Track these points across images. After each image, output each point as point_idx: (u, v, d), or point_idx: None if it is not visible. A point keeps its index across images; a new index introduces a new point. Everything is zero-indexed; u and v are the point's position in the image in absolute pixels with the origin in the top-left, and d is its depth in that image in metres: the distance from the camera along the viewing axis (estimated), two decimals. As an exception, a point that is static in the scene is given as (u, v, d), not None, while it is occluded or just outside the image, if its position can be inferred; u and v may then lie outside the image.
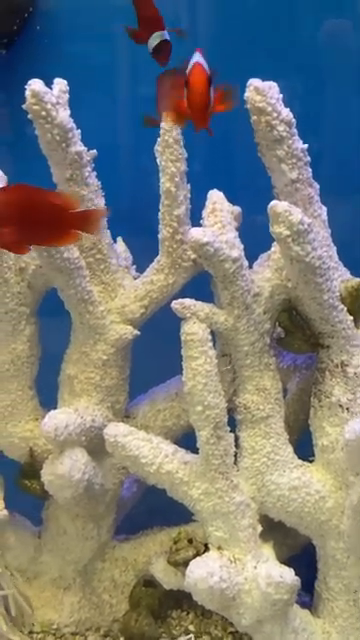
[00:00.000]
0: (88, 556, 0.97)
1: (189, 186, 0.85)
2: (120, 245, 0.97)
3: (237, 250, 0.80)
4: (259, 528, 0.85)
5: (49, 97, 0.76)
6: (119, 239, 0.97)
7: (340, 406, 0.83)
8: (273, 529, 0.87)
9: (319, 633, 0.87)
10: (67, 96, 0.81)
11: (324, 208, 0.84)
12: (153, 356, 0.97)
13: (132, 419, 0.94)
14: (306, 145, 0.80)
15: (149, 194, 0.87)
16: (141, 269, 0.92)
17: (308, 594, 0.93)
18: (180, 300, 0.81)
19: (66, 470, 0.83)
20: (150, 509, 1.02)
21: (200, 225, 0.83)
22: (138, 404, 0.95)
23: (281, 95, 0.78)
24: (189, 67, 0.77)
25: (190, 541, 0.88)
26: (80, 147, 0.81)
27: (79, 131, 0.81)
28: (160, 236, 0.86)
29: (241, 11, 1.05)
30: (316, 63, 1.06)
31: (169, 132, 0.81)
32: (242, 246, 0.81)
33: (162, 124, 0.81)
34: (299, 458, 0.87)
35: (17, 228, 0.72)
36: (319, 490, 0.85)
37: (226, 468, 0.82)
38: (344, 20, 1.05)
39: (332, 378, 0.84)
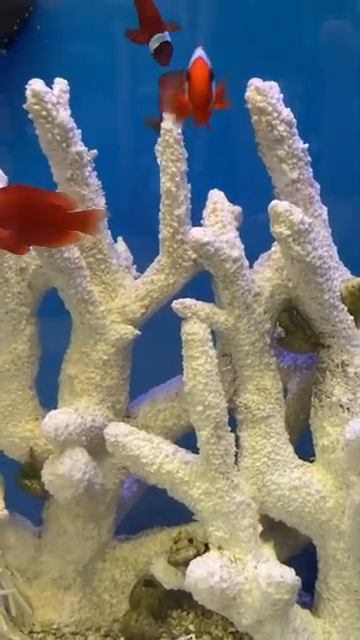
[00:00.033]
0: (88, 556, 0.97)
1: (189, 186, 0.85)
2: (121, 245, 0.97)
3: (238, 250, 0.80)
4: (259, 528, 0.85)
5: (50, 97, 0.76)
6: (120, 239, 0.97)
7: (341, 406, 0.83)
8: (273, 529, 0.87)
9: (320, 633, 0.87)
10: (68, 96, 0.82)
11: (325, 208, 0.84)
12: (154, 356, 0.97)
13: (133, 419, 0.94)
14: (307, 145, 0.81)
15: (150, 194, 0.87)
16: (142, 269, 0.92)
17: (309, 594, 0.93)
18: (181, 300, 0.81)
19: (66, 470, 0.83)
20: (150, 509, 1.02)
21: (201, 225, 0.83)
22: (139, 404, 0.95)
23: (282, 95, 0.78)
24: (191, 61, 0.77)
25: (190, 541, 0.88)
26: (81, 147, 0.81)
27: (79, 131, 0.81)
28: (160, 236, 0.86)
29: (241, 11, 1.05)
30: (316, 63, 1.06)
31: (170, 132, 0.81)
32: (243, 246, 0.81)
33: (163, 124, 0.81)
34: (300, 458, 0.87)
35: (17, 229, 0.72)
36: (320, 490, 0.85)
37: (226, 468, 0.82)
38: (344, 20, 1.05)
39: (333, 378, 0.84)
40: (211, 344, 0.80)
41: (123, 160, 1.11)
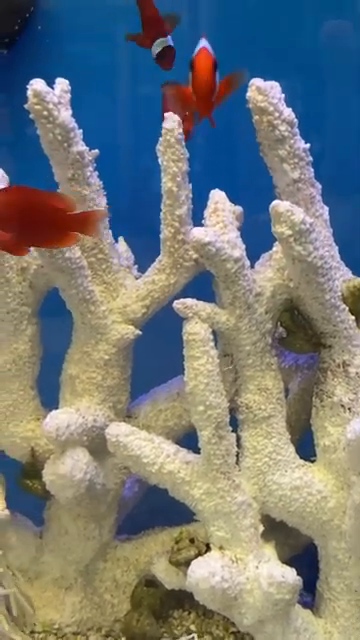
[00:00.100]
0: (90, 556, 0.97)
1: (191, 186, 0.85)
2: (122, 245, 0.97)
3: (239, 250, 0.80)
4: (261, 528, 0.85)
5: (51, 97, 0.76)
6: (121, 239, 0.97)
7: (342, 406, 0.83)
8: (275, 529, 0.87)
9: (321, 633, 0.87)
10: (69, 96, 0.82)
11: (326, 208, 0.84)
12: (155, 356, 0.97)
13: (134, 419, 0.94)
14: (308, 145, 0.80)
15: (151, 194, 0.87)
16: (143, 269, 0.92)
17: (310, 594, 0.93)
18: (182, 300, 0.81)
19: (68, 470, 0.83)
20: (152, 509, 1.02)
21: (202, 225, 0.83)
22: (140, 404, 0.95)
23: (283, 95, 0.78)
24: (195, 52, 0.76)
25: (192, 541, 0.88)
26: (82, 147, 0.81)
27: (81, 131, 0.81)
28: (162, 236, 0.86)
29: (241, 11, 1.05)
30: (317, 63, 1.06)
31: (171, 132, 0.81)
32: (244, 246, 0.81)
33: (164, 123, 0.81)
34: (301, 458, 0.87)
35: (16, 230, 0.72)
36: (321, 490, 0.85)
37: (228, 468, 0.82)
38: (344, 20, 1.05)
39: (334, 378, 0.84)
40: (212, 344, 0.80)
41: (124, 160, 1.11)
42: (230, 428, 0.82)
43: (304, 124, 0.80)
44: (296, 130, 0.79)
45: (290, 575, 0.79)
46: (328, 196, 0.84)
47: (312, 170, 0.82)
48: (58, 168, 0.82)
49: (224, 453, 0.81)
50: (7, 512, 0.92)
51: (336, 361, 0.84)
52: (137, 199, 1.09)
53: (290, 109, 0.78)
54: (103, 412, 0.90)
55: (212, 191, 0.85)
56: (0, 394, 0.92)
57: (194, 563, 0.80)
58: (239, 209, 0.88)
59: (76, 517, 0.94)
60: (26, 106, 0.77)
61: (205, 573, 0.78)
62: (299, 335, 0.85)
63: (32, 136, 0.80)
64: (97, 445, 0.87)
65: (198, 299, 0.81)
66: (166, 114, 0.81)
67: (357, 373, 0.83)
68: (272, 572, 0.79)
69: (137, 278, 0.92)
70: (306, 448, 0.88)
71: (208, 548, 0.85)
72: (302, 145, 0.80)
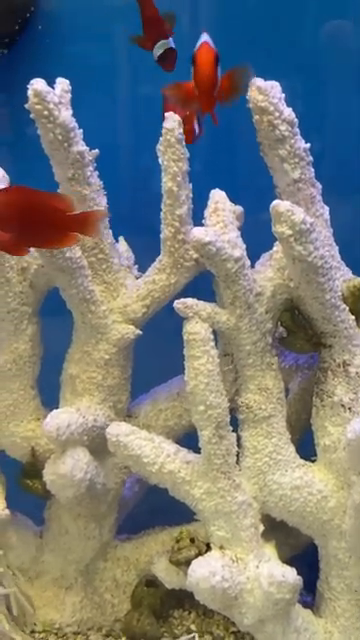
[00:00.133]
0: (90, 556, 0.97)
1: (191, 185, 0.85)
2: (122, 245, 0.97)
3: (239, 250, 0.80)
4: (261, 528, 0.85)
5: (51, 97, 0.76)
6: (121, 239, 0.97)
7: (342, 406, 0.83)
8: (275, 529, 0.87)
9: (321, 633, 0.87)
10: (69, 95, 0.81)
11: (326, 208, 0.84)
12: (155, 356, 0.97)
13: (134, 419, 0.94)
14: (308, 145, 0.80)
15: (151, 193, 0.87)
16: (143, 269, 0.92)
17: (310, 594, 0.93)
18: (182, 300, 0.81)
19: (68, 469, 0.83)
20: (152, 509, 1.02)
21: (202, 225, 0.83)
22: (140, 404, 0.95)
23: (283, 95, 0.78)
24: (196, 46, 0.76)
25: (192, 540, 0.88)
26: (82, 146, 0.81)
27: (81, 131, 0.81)
28: (162, 236, 0.86)
29: (241, 11, 1.05)
30: (317, 63, 1.06)
31: (171, 131, 0.81)
32: (244, 246, 0.81)
33: (164, 123, 0.81)
34: (301, 458, 0.87)
35: (16, 230, 0.72)
36: (321, 490, 0.85)
37: (228, 468, 0.82)
38: (345, 20, 1.05)
39: (334, 378, 0.84)
40: (213, 344, 0.80)
41: (124, 160, 1.11)
42: (230, 428, 0.82)
43: (304, 124, 0.80)
44: (296, 130, 0.79)
45: (290, 575, 0.80)
46: (328, 196, 0.84)
47: (312, 170, 0.82)
48: (58, 168, 0.82)
49: (224, 453, 0.81)
50: (7, 512, 0.92)
51: (336, 361, 0.84)
52: (137, 199, 1.09)
53: (290, 109, 0.78)
54: (103, 412, 0.90)
55: (212, 191, 0.85)
56: (0, 394, 0.92)
57: (194, 563, 0.80)
58: (239, 209, 0.88)
59: (76, 517, 0.94)
60: (27, 106, 0.77)
61: (205, 573, 0.78)
62: (299, 335, 0.85)
63: (32, 136, 0.80)
64: (97, 445, 0.87)
65: (198, 299, 0.81)
66: (166, 114, 0.81)
67: (357, 373, 0.83)
68: (272, 572, 0.79)
69: (137, 278, 0.92)
70: (306, 448, 0.88)
71: (208, 548, 0.85)
72: (302, 145, 0.80)
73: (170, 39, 0.84)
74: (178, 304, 0.80)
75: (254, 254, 0.85)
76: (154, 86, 0.87)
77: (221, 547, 0.83)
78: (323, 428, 0.85)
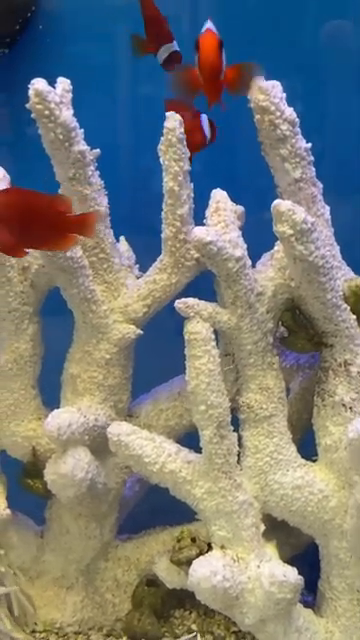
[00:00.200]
0: (91, 555, 0.97)
1: (192, 185, 0.85)
2: (123, 244, 0.97)
3: (240, 249, 0.80)
4: (262, 527, 0.85)
5: (52, 96, 0.76)
6: (122, 238, 0.97)
7: (343, 405, 0.83)
8: (276, 528, 0.87)
9: (322, 632, 0.87)
10: (70, 95, 0.81)
11: (327, 207, 0.84)
12: (156, 355, 0.97)
13: (135, 418, 0.94)
14: (309, 144, 0.80)
15: (152, 193, 0.87)
16: (144, 268, 0.92)
17: (311, 593, 0.93)
18: (183, 299, 0.81)
19: (69, 469, 0.83)
20: (153, 508, 1.02)
21: (203, 224, 0.83)
22: (141, 403, 0.95)
23: (284, 94, 0.78)
24: (200, 33, 0.75)
25: (193, 540, 0.88)
26: (83, 146, 0.81)
27: (82, 130, 0.81)
28: (163, 235, 0.86)
29: (241, 11, 1.05)
30: (317, 63, 1.06)
31: (172, 131, 0.81)
32: (245, 245, 0.81)
33: (165, 123, 0.81)
34: (302, 457, 0.87)
35: (14, 231, 0.72)
36: (322, 489, 0.85)
37: (229, 467, 0.82)
38: (345, 20, 1.05)
39: (335, 377, 0.84)
40: (214, 343, 0.80)
41: (125, 159, 1.11)
42: (231, 427, 0.82)
43: (305, 124, 0.80)
44: (297, 129, 0.79)
45: (291, 574, 0.80)
46: (329, 195, 0.84)
47: (313, 169, 0.82)
48: (59, 168, 0.82)
49: (225, 452, 0.81)
50: (8, 511, 0.92)
51: (337, 360, 0.84)
52: (138, 198, 1.09)
53: (292, 108, 0.78)
54: (104, 411, 0.90)
55: (213, 190, 0.85)
56: (1, 393, 0.92)
57: (195, 562, 0.80)
58: (240, 208, 0.88)
59: (77, 516, 0.94)
60: (27, 105, 0.76)
61: (206, 572, 0.78)
62: (300, 334, 0.85)
63: (33, 136, 0.80)
64: (98, 444, 0.87)
65: (199, 299, 0.81)
66: (167, 113, 0.81)
67: (359, 372, 0.83)
68: (274, 571, 0.79)
69: (138, 277, 0.92)
70: (307, 447, 0.88)
71: (209, 547, 0.85)
72: (303, 144, 0.80)
73: (174, 42, 0.84)
74: (179, 304, 0.80)
75: (255, 254, 0.85)
76: (155, 86, 0.87)
77: (222, 547, 0.83)
78: (324, 428, 0.85)
